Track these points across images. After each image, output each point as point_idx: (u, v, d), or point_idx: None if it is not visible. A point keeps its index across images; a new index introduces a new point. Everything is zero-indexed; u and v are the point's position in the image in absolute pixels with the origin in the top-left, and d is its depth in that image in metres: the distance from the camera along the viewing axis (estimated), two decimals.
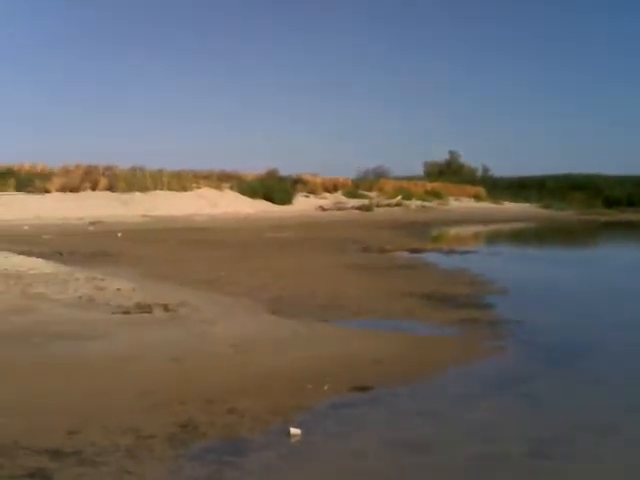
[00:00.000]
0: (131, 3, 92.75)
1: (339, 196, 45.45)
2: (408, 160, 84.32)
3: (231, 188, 39.51)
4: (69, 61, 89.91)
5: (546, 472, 4.57)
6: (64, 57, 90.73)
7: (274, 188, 40.67)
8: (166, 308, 8.96)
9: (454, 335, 8.47)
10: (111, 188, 33.50)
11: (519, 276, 15.16)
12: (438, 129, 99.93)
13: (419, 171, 69.70)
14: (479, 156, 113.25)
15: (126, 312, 8.66)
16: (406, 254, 18.82)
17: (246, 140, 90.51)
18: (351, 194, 46.19)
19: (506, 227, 36.53)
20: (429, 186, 54.11)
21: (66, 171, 35.09)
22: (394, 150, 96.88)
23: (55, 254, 15.64)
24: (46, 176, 33.57)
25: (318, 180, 46.31)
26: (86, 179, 33.55)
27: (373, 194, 47.56)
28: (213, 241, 21.71)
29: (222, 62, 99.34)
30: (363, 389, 6.04)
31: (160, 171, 37.43)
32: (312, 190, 44.53)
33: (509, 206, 53.91)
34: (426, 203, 48.36)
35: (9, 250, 14.16)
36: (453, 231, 34.07)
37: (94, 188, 33.24)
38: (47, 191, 31.34)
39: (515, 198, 56.88)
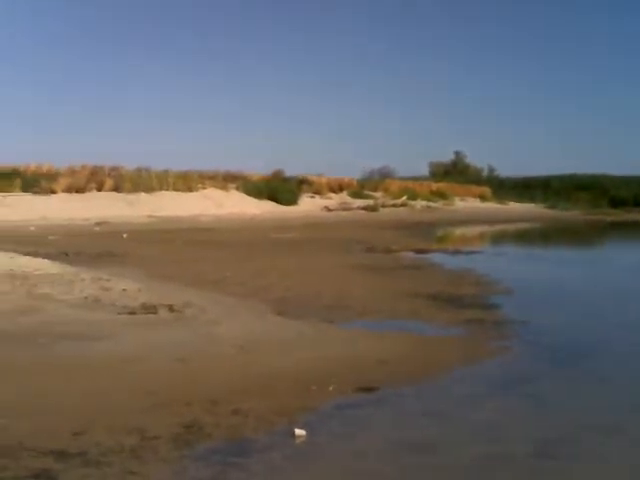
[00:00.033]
0: (131, 3, 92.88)
1: (344, 196, 45.43)
2: (410, 160, 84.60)
3: (237, 189, 39.53)
4: (69, 61, 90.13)
5: (551, 472, 4.56)
6: (64, 57, 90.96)
7: (279, 189, 40.67)
8: (171, 309, 8.98)
9: (459, 335, 8.46)
10: (117, 189, 33.54)
11: (524, 276, 15.13)
12: (439, 129, 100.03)
13: (424, 171, 69.74)
14: (482, 156, 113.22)
15: (132, 313, 8.68)
16: (411, 254, 18.81)
17: (246, 140, 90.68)
18: (356, 194, 46.16)
19: (511, 227, 36.47)
20: (434, 186, 54.05)
21: (72, 172, 35.14)
22: (396, 150, 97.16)
23: (61, 255, 15.67)
24: (52, 177, 33.61)
25: (323, 180, 46.29)
26: (92, 180, 33.60)
27: (378, 194, 47.52)
28: (219, 241, 21.73)
29: (222, 62, 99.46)
30: (368, 390, 6.04)
31: (166, 171, 37.51)
32: (317, 191, 44.52)
33: (514, 206, 53.83)
34: (431, 203, 48.31)
35: (15, 251, 14.19)
36: (458, 231, 34.04)
37: (100, 189, 33.29)
38: (53, 192, 31.37)
39: (520, 198, 56.78)
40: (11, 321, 8.01)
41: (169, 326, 8.17)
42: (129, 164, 38.51)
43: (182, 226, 27.38)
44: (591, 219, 43.99)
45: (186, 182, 36.93)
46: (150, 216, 29.97)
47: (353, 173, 65.88)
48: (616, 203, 55.93)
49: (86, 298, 9.46)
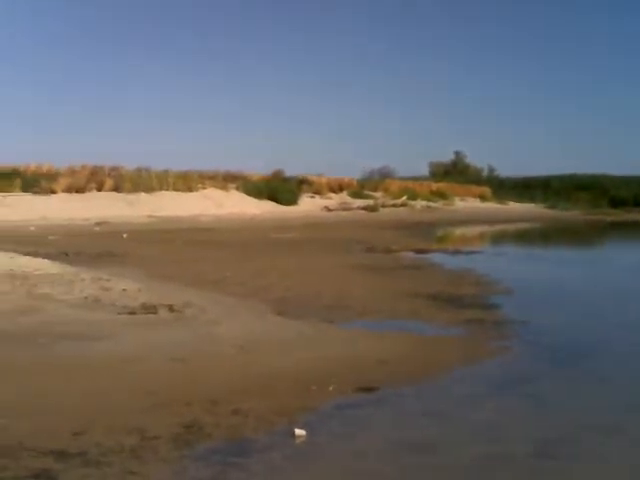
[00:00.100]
0: (131, 3, 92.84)
1: (344, 196, 45.43)
2: (410, 160, 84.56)
3: (237, 189, 39.53)
4: (69, 61, 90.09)
5: (551, 472, 4.56)
6: (64, 57, 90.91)
7: (279, 189, 40.67)
8: (171, 309, 8.98)
9: (459, 335, 8.46)
10: (117, 189, 33.54)
11: (524, 276, 15.13)
12: (439, 129, 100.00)
13: (424, 171, 69.74)
14: (482, 156, 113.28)
15: (132, 313, 8.68)
16: (411, 254, 18.81)
17: (246, 140, 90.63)
18: (356, 194, 46.17)
19: (511, 227, 36.48)
20: (434, 186, 54.05)
21: (72, 172, 35.14)
22: (396, 150, 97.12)
23: (61, 255, 15.67)
24: (52, 177, 33.60)
25: (323, 180, 46.29)
26: (92, 180, 33.60)
27: (378, 194, 47.52)
28: (219, 241, 21.73)
29: (222, 62, 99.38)
30: (368, 390, 6.04)
31: (166, 171, 37.51)
32: (317, 190, 44.52)
33: (514, 206, 53.84)
34: (431, 203, 48.31)
35: (15, 251, 14.18)
36: (458, 231, 34.04)
37: (100, 189, 33.29)
38: (53, 192, 31.37)
39: (520, 198, 56.79)
40: (11, 321, 8.02)
41: (169, 326, 8.17)
42: (129, 164, 38.64)
43: (182, 226, 27.37)
44: (591, 219, 43.99)
45: (186, 182, 36.93)
46: (150, 216, 29.97)
47: (353, 173, 65.97)
48: (616, 203, 55.92)
49: (86, 298, 9.46)
